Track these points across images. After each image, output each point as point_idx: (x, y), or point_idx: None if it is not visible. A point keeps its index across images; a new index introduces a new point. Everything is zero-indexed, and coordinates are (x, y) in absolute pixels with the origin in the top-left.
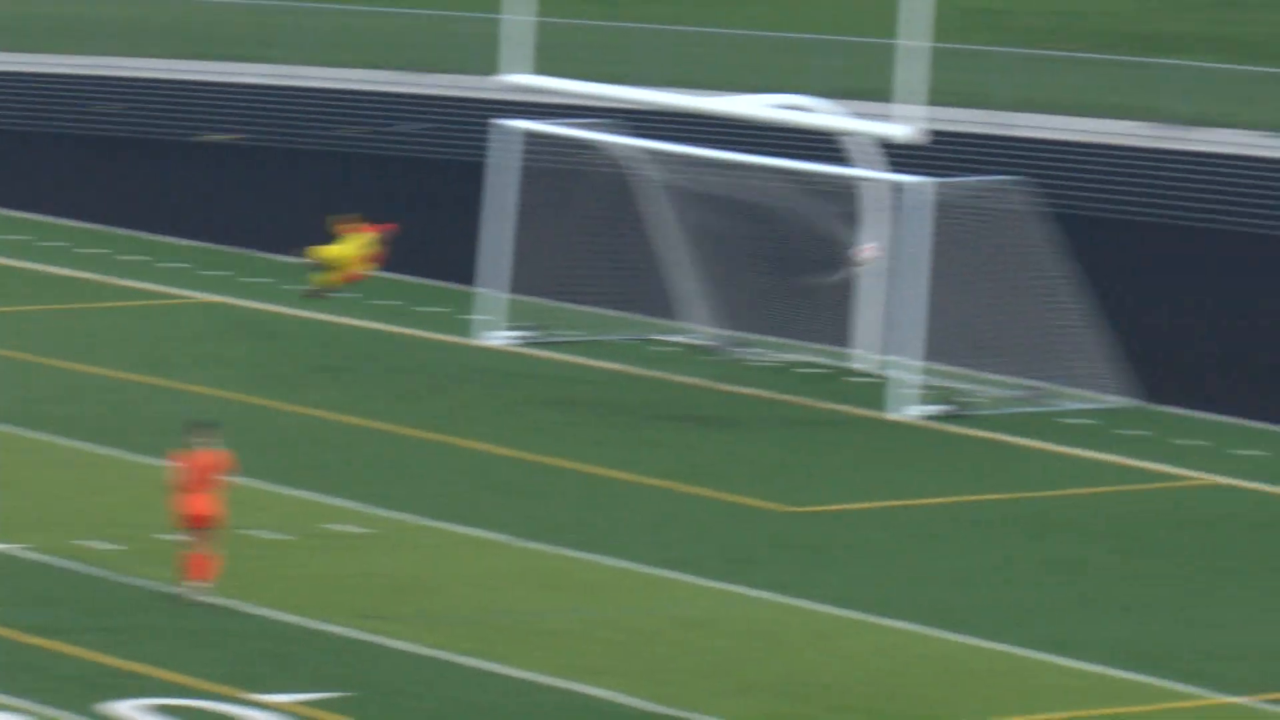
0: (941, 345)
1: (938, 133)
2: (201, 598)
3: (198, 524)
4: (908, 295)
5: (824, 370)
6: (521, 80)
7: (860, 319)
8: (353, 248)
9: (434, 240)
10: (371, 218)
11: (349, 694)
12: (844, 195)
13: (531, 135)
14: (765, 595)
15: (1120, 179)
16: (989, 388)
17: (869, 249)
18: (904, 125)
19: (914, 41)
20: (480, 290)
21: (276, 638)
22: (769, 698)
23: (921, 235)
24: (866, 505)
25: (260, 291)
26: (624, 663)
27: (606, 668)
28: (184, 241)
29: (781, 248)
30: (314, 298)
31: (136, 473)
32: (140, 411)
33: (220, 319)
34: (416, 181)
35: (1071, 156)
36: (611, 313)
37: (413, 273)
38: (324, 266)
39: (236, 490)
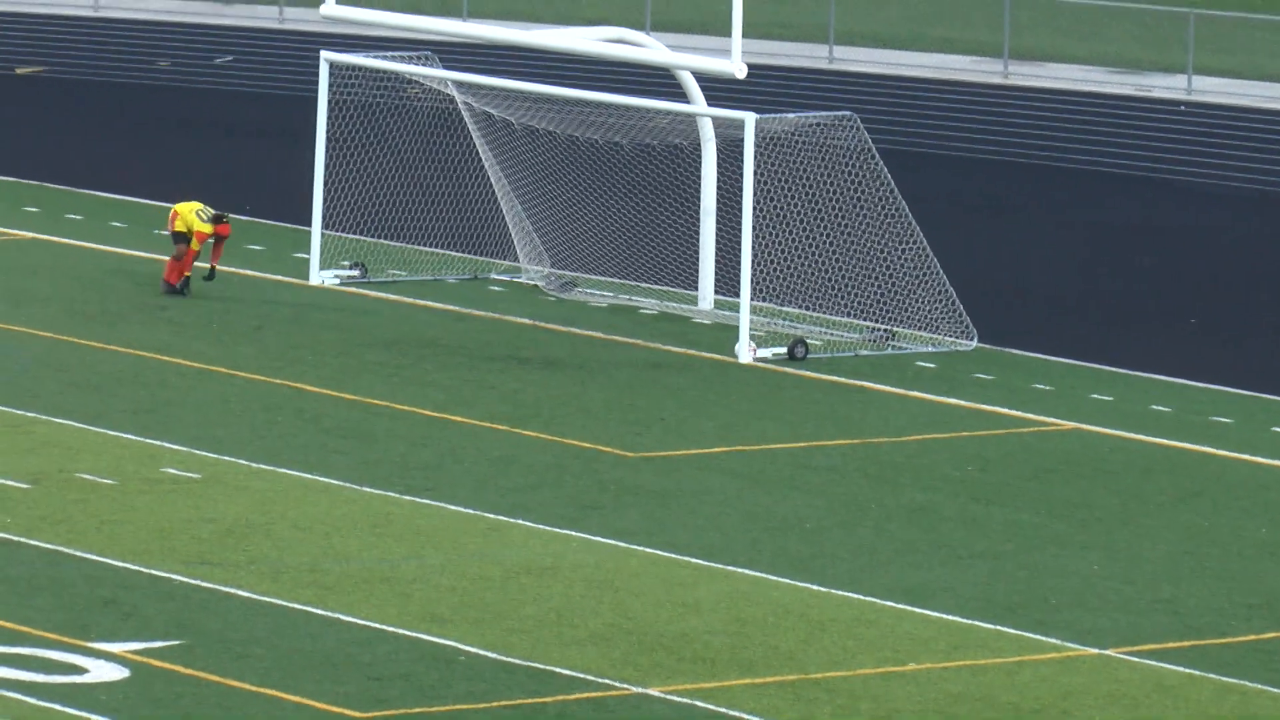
0: (782, 287)
1: (761, 67)
2: None
3: None
4: (738, 235)
5: (667, 312)
6: (344, 13)
7: (703, 260)
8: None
9: (257, 176)
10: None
11: (184, 642)
12: (674, 131)
13: (360, 69)
14: (611, 542)
15: (958, 115)
16: (832, 330)
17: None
18: (727, 59)
19: None
20: (308, 228)
21: (109, 584)
22: (620, 647)
23: (747, 172)
24: (712, 450)
25: (78, 229)
26: (468, 610)
27: (451, 615)
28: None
29: (618, 186)
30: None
31: None
32: None
33: (38, 256)
34: (237, 115)
35: (903, 91)
36: (444, 252)
37: (233, 210)
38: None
39: (61, 432)
